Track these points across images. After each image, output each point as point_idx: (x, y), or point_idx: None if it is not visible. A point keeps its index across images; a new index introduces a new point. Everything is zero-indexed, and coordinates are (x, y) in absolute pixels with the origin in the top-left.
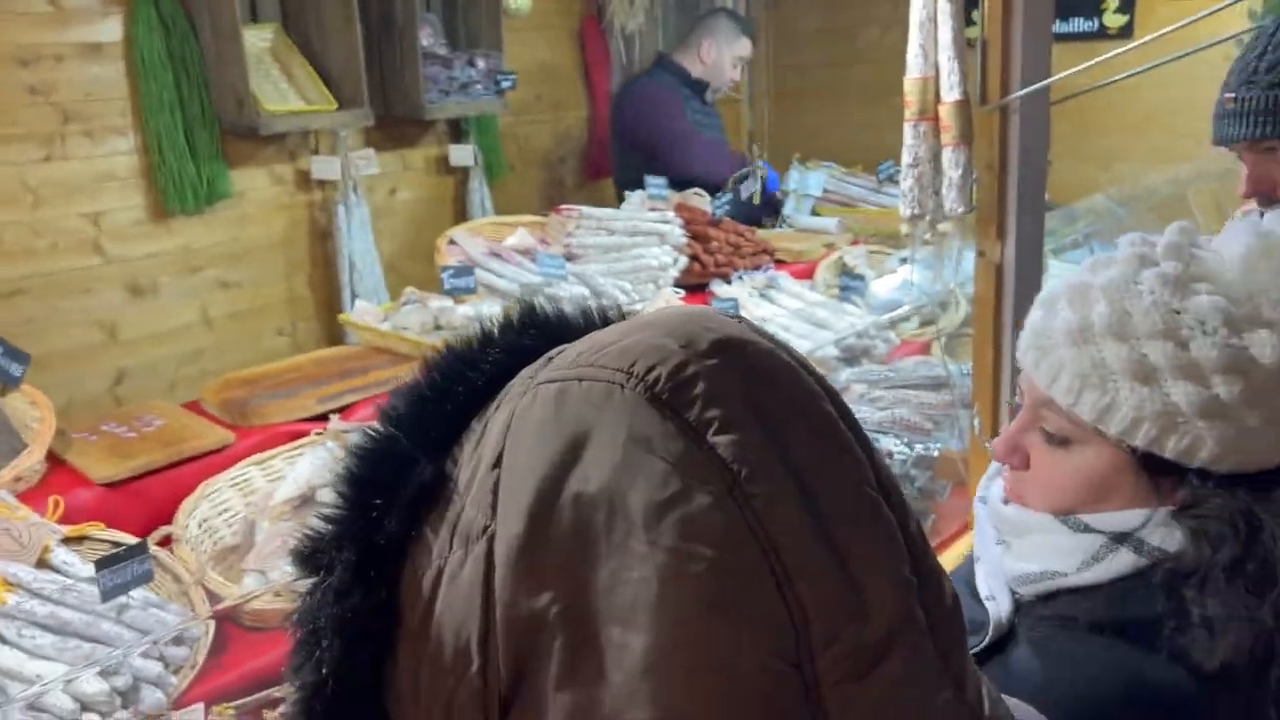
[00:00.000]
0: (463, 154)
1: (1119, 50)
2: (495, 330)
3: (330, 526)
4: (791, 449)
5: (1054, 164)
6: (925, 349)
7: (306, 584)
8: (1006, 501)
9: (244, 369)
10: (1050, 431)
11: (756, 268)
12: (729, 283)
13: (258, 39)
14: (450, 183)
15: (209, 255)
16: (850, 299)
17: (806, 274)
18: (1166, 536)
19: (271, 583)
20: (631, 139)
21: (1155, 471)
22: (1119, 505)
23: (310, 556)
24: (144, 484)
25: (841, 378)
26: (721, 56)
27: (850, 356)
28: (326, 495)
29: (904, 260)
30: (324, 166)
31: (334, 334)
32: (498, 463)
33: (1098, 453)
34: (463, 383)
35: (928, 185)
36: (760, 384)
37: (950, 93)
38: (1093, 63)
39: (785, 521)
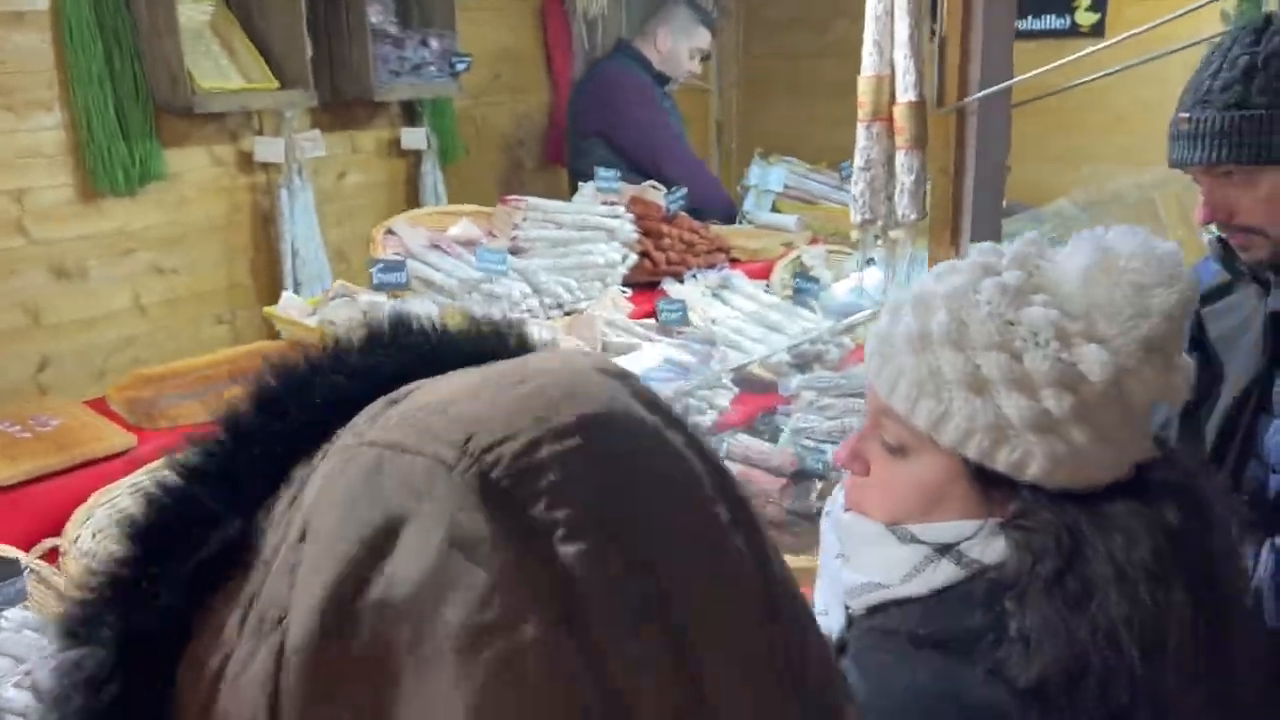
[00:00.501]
0: (415, 137)
1: (1087, 51)
2: (348, 345)
3: (93, 593)
4: (660, 569)
5: (1021, 165)
6: None
7: (60, 663)
8: (848, 510)
9: (179, 358)
10: (888, 440)
11: (710, 266)
12: (681, 281)
13: (197, 12)
14: (402, 166)
15: (142, 238)
16: (805, 302)
17: (763, 273)
18: (989, 548)
19: None
20: (593, 126)
21: (988, 484)
22: (952, 516)
23: (69, 630)
24: (35, 490)
25: (792, 384)
26: (678, 47)
27: (802, 362)
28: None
29: (868, 262)
30: (267, 148)
31: (263, 313)
32: (303, 536)
33: (932, 462)
34: (290, 415)
35: (880, 189)
36: (630, 476)
37: (905, 93)
38: (1056, 64)
39: (638, 665)
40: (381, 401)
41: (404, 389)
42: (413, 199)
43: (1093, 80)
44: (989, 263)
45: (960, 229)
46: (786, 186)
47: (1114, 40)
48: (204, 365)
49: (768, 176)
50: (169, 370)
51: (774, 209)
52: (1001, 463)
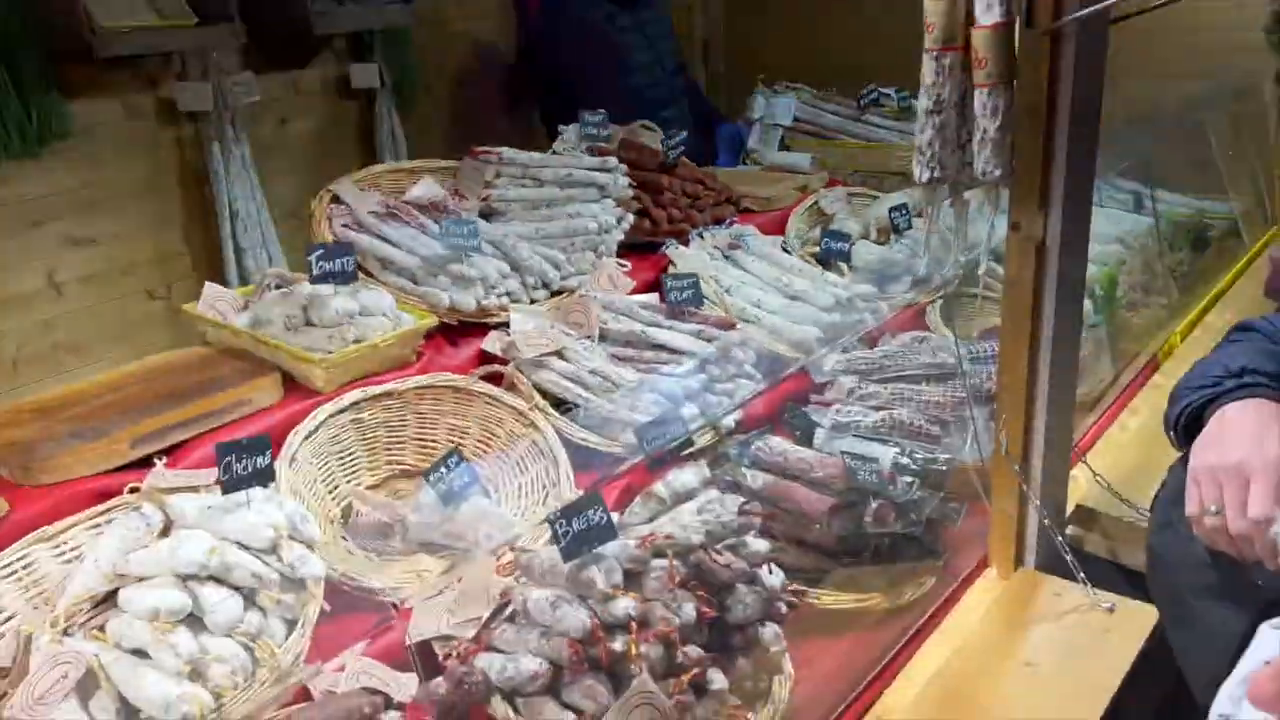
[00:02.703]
0: (366, 74)
1: None
2: None
3: None
4: None
5: None
6: (917, 319)
7: None
8: None
9: (107, 341)
10: None
11: (718, 221)
12: (685, 242)
13: None
14: (353, 110)
15: (51, 206)
16: (833, 264)
17: (777, 226)
18: None
19: None
20: (553, 72)
21: None
22: None
23: None
24: None
25: (825, 367)
26: None
27: (834, 336)
28: (207, 595)
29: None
30: (192, 95)
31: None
32: None
33: None
34: None
35: (951, 139)
36: None
37: (988, 12)
38: None
39: None
40: None
41: None
42: (367, 146)
43: None
44: None
45: (1051, 187)
46: (797, 119)
47: None
48: (98, 390)
49: (774, 108)
50: (54, 400)
51: (783, 146)
52: None
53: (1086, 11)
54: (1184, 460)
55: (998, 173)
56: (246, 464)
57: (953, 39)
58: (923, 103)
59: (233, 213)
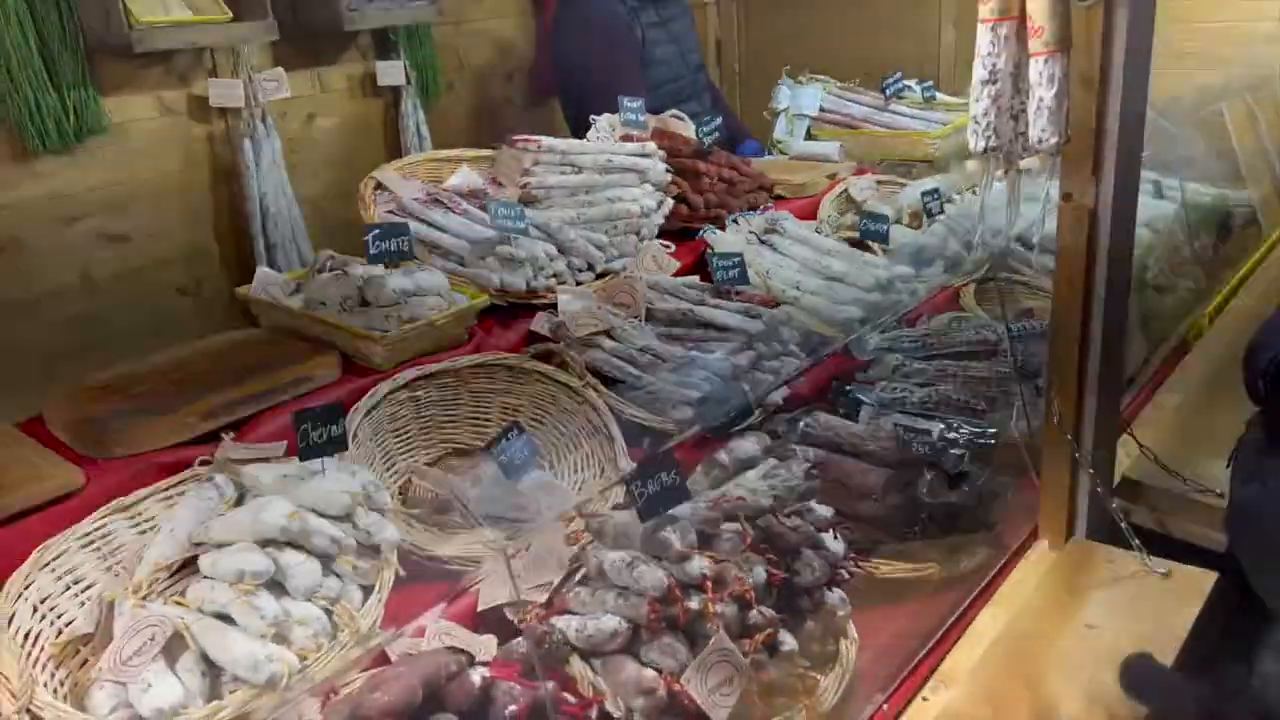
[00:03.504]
0: (392, 71)
1: None
2: None
3: None
4: None
5: None
6: (952, 301)
7: None
8: None
9: (138, 336)
10: None
11: (753, 208)
12: (722, 228)
13: None
14: (379, 106)
15: (86, 202)
16: (873, 243)
17: (809, 212)
18: None
19: (134, 705)
20: (577, 68)
21: None
22: None
23: None
24: None
25: (869, 345)
26: None
27: (875, 316)
28: (287, 559)
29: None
30: (223, 91)
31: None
32: None
33: None
34: None
35: (1006, 108)
36: None
37: None
38: None
39: None
40: None
41: None
42: (393, 143)
43: None
44: None
45: (1104, 155)
46: (823, 109)
47: None
48: (159, 369)
49: (800, 99)
50: (118, 378)
51: (809, 136)
52: None
53: None
54: (1265, 413)
55: (1054, 140)
56: (322, 432)
57: (1008, 9)
58: (977, 73)
59: (263, 208)
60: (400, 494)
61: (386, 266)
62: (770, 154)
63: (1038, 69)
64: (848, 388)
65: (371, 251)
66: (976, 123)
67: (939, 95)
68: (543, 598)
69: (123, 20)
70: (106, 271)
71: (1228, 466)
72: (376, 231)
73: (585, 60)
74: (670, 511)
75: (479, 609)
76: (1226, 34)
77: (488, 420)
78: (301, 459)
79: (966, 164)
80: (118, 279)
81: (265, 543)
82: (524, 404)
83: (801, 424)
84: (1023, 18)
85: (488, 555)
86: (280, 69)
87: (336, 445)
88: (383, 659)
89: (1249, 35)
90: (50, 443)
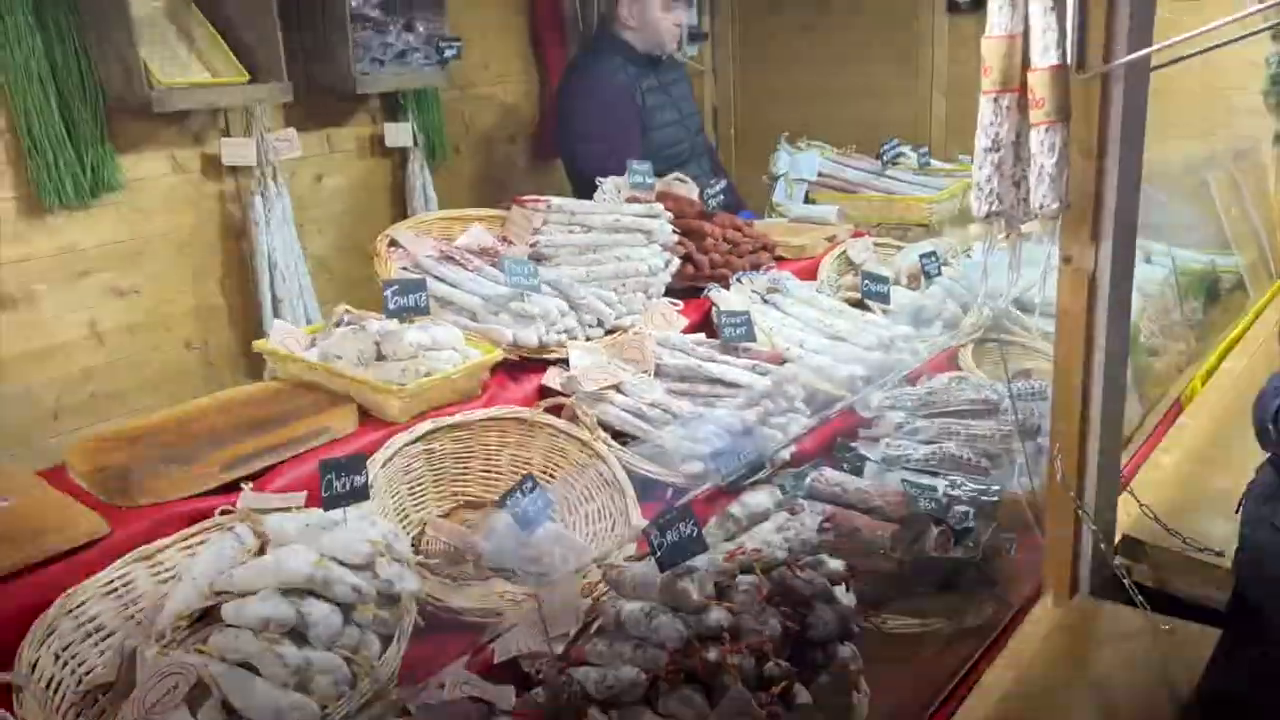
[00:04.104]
0: (400, 133)
1: (1226, 20)
2: None
3: None
4: None
5: None
6: (951, 362)
7: None
8: None
9: (143, 391)
10: None
11: (756, 267)
12: (727, 287)
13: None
14: (386, 166)
15: (97, 257)
16: (874, 304)
17: (808, 273)
18: None
19: None
20: (581, 134)
21: None
22: None
23: None
24: None
25: (872, 403)
26: (647, 14)
27: (878, 374)
28: (309, 608)
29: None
30: (236, 150)
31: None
32: None
33: None
34: None
35: (1008, 174)
36: None
37: (1045, 56)
38: (1204, 29)
39: None
40: None
41: None
42: (398, 203)
43: (1230, 44)
44: None
45: (1102, 221)
46: (821, 174)
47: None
48: (178, 420)
49: (798, 164)
50: (138, 427)
51: (807, 199)
52: None
53: (1131, 57)
54: (1274, 458)
55: (1055, 206)
56: (345, 481)
57: (1009, 82)
58: (981, 141)
59: (271, 264)
60: (413, 545)
61: (401, 321)
62: (769, 217)
63: (1039, 138)
64: (852, 444)
65: (390, 306)
66: (980, 188)
67: (933, 162)
68: (559, 648)
69: (143, 80)
70: (115, 325)
71: (1236, 511)
72: (394, 287)
73: (588, 127)
74: (690, 562)
75: (495, 660)
76: (1210, 107)
77: (499, 473)
78: (325, 508)
79: (970, 227)
80: (126, 332)
81: (289, 590)
82: (535, 457)
83: (808, 479)
84: (1024, 89)
85: (504, 607)
86: (292, 129)
87: (358, 495)
88: (401, 709)
89: (1230, 108)
90: (72, 491)
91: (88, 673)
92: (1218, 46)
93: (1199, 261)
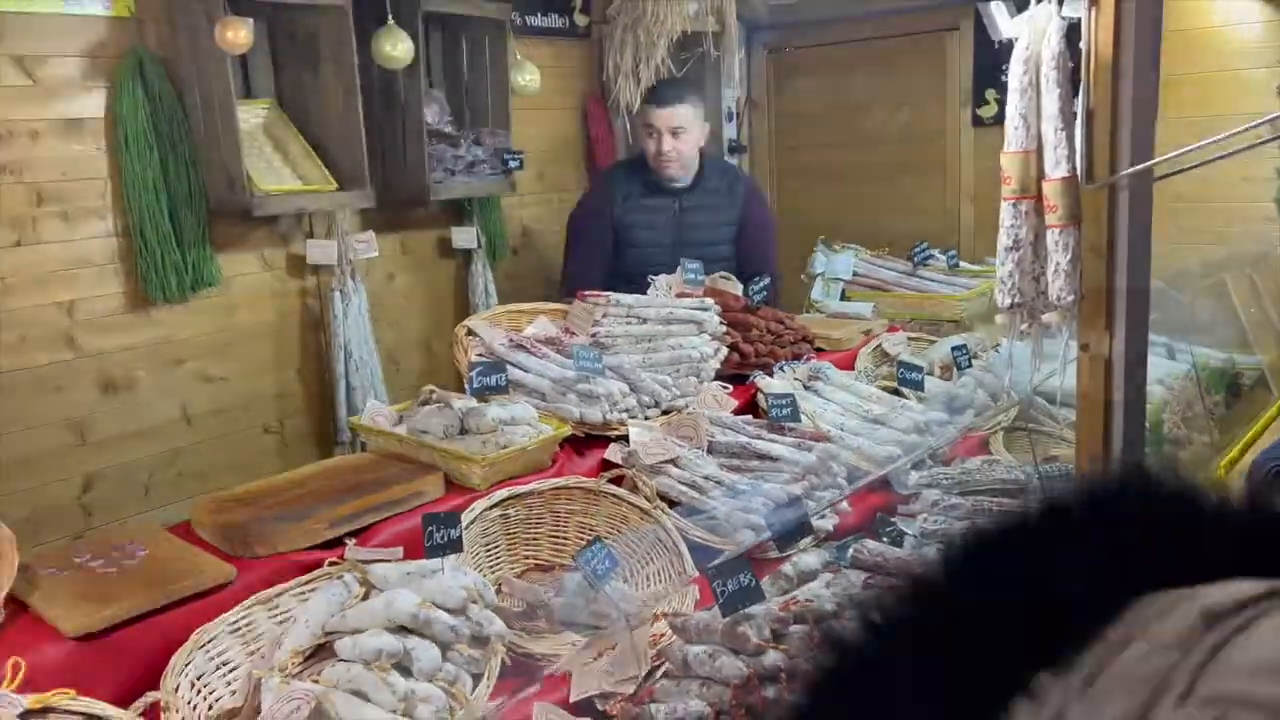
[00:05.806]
0: (466, 236)
1: (1228, 134)
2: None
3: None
4: None
5: None
6: (981, 447)
7: None
8: None
9: (225, 470)
10: None
11: (797, 357)
12: (770, 374)
13: (250, 115)
14: (450, 266)
15: (191, 346)
16: (909, 391)
17: (846, 363)
18: None
19: None
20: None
21: None
22: None
23: None
24: (125, 634)
25: (909, 481)
26: (637, 136)
27: (911, 454)
28: (413, 644)
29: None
30: (320, 250)
31: (325, 432)
32: None
33: None
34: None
35: (1028, 270)
36: None
37: (1057, 168)
38: (1205, 143)
39: None
40: (1182, 627)
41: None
42: (460, 300)
43: (1235, 153)
44: None
45: (1114, 312)
46: (856, 274)
47: (1257, 123)
48: (288, 485)
49: (835, 264)
50: (254, 491)
51: (843, 297)
52: None
53: (1133, 170)
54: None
55: (1070, 298)
56: (444, 534)
57: (1027, 189)
58: (1002, 241)
59: (347, 354)
60: None
61: (479, 400)
62: (808, 313)
63: (1054, 238)
64: (892, 519)
65: (474, 385)
66: (1003, 283)
67: (962, 263)
68: (630, 689)
69: (245, 187)
70: (203, 409)
71: None
72: (479, 368)
73: (617, 236)
74: (748, 609)
75: (572, 699)
76: (1226, 213)
77: (565, 538)
78: (427, 556)
79: (996, 318)
80: (212, 415)
81: (396, 628)
82: (599, 523)
83: (851, 550)
84: (1039, 196)
85: (575, 653)
86: (371, 232)
87: (455, 546)
88: None
89: (1245, 215)
90: (196, 544)
91: (217, 700)
92: (1215, 160)
93: (1218, 359)
